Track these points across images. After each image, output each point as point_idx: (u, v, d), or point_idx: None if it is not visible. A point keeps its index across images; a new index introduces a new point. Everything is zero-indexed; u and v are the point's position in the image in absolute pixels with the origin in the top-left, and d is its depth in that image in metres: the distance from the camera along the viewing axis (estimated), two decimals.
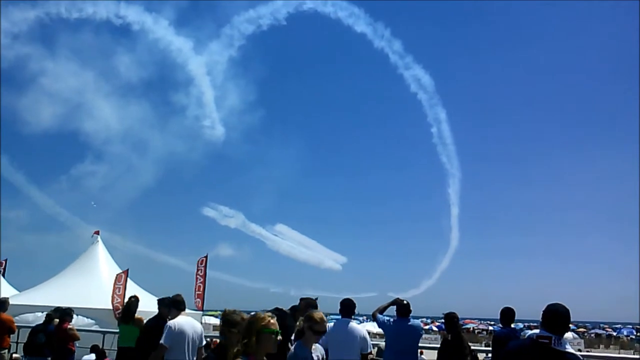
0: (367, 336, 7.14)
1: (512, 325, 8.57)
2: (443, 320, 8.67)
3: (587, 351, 32.46)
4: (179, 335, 6.63)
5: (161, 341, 6.57)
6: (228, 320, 4.20)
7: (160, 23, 47.99)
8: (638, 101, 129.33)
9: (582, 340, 46.02)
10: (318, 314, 5.14)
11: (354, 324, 7.24)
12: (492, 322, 71.87)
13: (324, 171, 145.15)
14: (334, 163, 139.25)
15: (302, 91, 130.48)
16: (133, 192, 73.10)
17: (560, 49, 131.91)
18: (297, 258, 64.31)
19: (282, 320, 4.98)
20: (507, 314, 8.35)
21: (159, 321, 7.62)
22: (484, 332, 64.19)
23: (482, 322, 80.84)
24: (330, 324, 6.67)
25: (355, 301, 7.43)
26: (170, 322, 6.78)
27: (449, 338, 8.24)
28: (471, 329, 69.44)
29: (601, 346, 51.06)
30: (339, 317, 7.44)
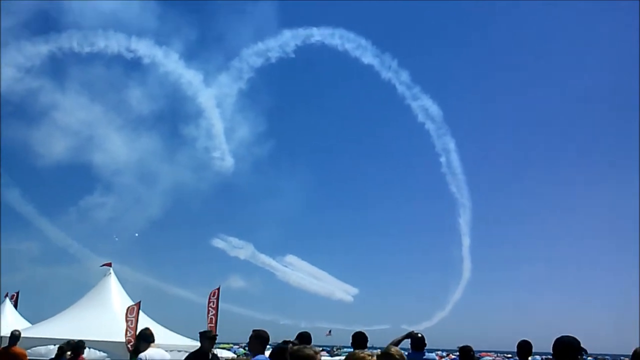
0: None
1: (530, 359, 8.43)
2: (458, 354, 8.52)
3: None
4: None
5: None
6: (299, 355, 3.62)
7: (171, 56, 49.08)
8: None
9: None
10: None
11: None
12: (509, 355, 70.37)
13: (332, 202, 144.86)
14: (342, 194, 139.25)
15: (311, 123, 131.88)
16: (142, 223, 73.46)
17: (572, 70, 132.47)
18: (307, 289, 64.00)
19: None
20: (524, 348, 8.26)
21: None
22: None
23: (499, 354, 79.11)
24: (341, 358, 6.59)
25: (366, 334, 7.38)
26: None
27: None
28: None
29: None
30: (352, 349, 7.37)
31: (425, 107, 54.40)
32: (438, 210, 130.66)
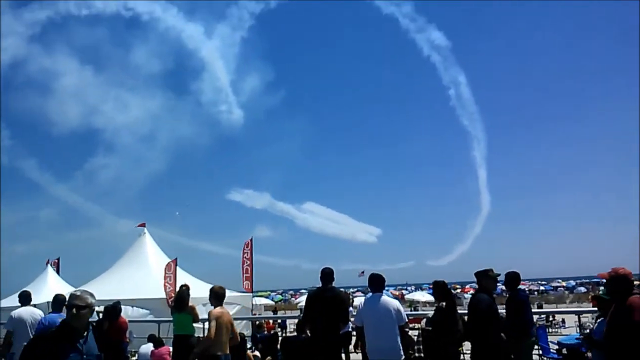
0: (401, 307, 7.03)
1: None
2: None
3: None
4: (19, 321, 8.14)
5: (5, 327, 8.24)
6: None
7: (170, 11, 47.51)
8: None
9: None
10: None
11: (385, 297, 7.09)
12: (544, 282, 70.75)
13: (343, 145, 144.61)
14: (352, 136, 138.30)
15: (317, 67, 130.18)
16: (155, 182, 74.36)
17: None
18: (329, 234, 64.73)
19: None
20: (514, 278, 8.40)
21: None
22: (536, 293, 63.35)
23: (532, 282, 79.76)
24: (361, 300, 6.38)
25: (383, 275, 7.16)
26: (12, 312, 8.40)
27: (444, 306, 7.83)
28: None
29: None
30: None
31: (431, 39, 51.84)
32: (451, 144, 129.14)
